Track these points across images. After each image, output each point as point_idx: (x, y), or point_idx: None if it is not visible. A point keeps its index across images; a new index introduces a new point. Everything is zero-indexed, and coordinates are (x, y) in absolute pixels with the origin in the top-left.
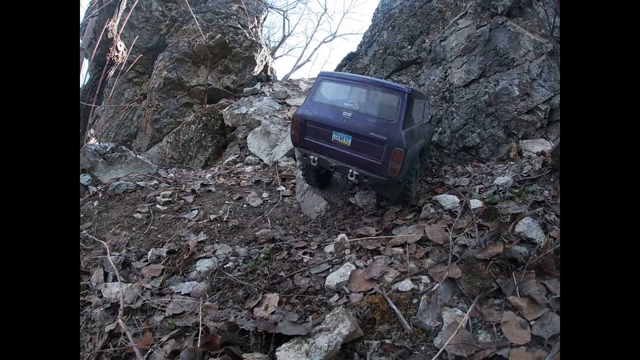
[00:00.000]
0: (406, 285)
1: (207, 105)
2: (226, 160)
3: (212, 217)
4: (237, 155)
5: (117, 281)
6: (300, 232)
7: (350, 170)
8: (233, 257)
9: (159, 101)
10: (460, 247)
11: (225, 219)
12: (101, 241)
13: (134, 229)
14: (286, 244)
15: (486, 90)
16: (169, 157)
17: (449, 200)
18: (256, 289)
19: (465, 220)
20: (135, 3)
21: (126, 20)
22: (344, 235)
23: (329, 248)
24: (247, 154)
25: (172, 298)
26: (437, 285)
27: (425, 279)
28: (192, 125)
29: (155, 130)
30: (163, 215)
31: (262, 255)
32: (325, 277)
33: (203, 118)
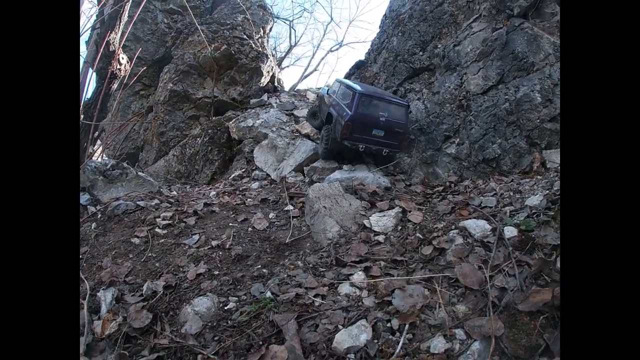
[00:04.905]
0: (439, 344)
1: (214, 118)
2: (232, 175)
3: (214, 243)
4: (243, 170)
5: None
6: (310, 265)
7: (384, 149)
8: (235, 298)
9: (165, 114)
10: (498, 290)
11: (227, 246)
12: (84, 279)
13: (130, 255)
14: (295, 280)
15: (506, 97)
16: (175, 170)
17: (478, 227)
18: (260, 341)
19: (500, 253)
20: (137, 15)
21: (128, 32)
22: (360, 272)
23: (344, 288)
24: (254, 168)
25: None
26: (475, 343)
27: (460, 333)
28: (198, 139)
29: (162, 144)
30: (162, 240)
31: (268, 296)
32: (334, 332)
33: (209, 131)
